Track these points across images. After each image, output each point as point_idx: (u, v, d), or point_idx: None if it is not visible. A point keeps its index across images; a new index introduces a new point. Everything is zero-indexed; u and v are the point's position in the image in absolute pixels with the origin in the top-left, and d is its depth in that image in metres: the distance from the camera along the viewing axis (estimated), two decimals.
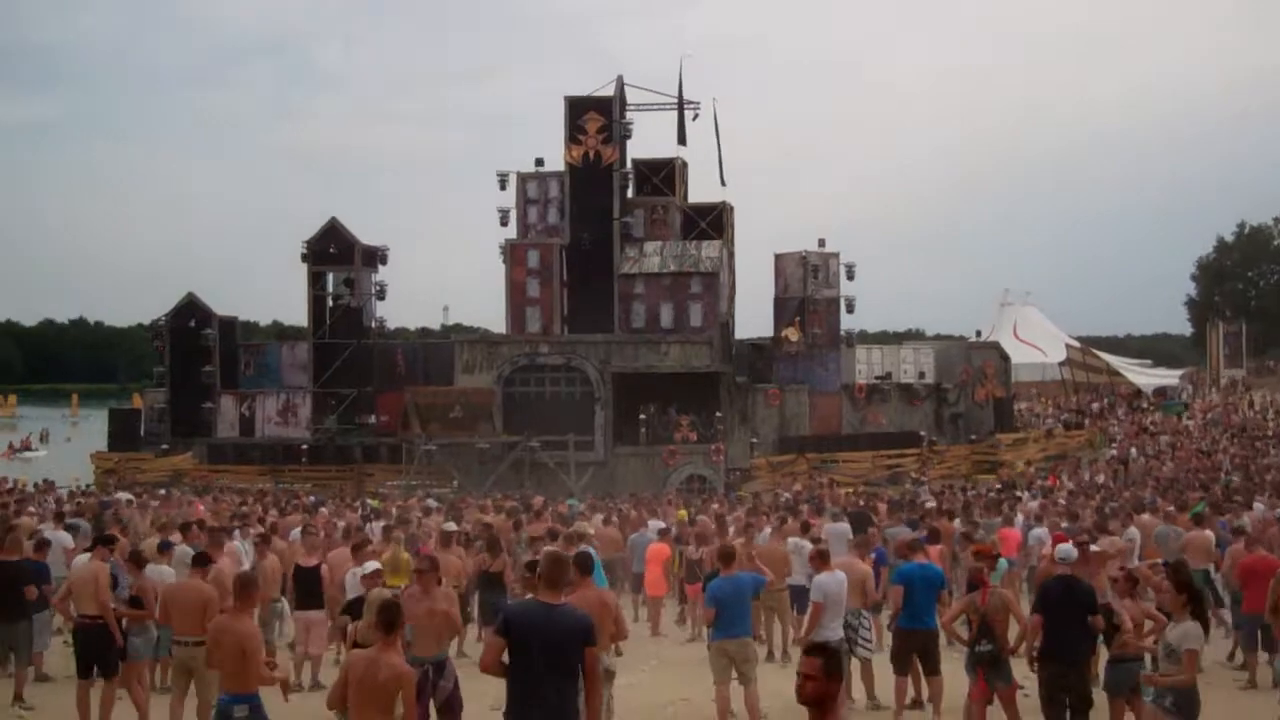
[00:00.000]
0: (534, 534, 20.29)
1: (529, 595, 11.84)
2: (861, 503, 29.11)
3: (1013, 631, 12.07)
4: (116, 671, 13.55)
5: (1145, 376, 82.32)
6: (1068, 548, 12.16)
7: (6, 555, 15.74)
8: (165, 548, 15.32)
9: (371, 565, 12.22)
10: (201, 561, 13.31)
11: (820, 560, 14.08)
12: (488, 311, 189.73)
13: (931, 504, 27.35)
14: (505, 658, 8.10)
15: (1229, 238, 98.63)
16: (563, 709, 8.01)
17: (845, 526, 21.11)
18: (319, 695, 15.50)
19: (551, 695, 7.92)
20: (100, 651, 13.51)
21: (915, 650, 13.30)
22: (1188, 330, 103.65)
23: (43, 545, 16.87)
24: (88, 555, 14.87)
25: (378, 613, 8.96)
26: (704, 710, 13.76)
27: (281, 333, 73.93)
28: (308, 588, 16.35)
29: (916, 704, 13.56)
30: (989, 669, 11.57)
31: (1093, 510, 24.92)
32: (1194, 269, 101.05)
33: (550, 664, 7.98)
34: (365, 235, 54.13)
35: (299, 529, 20.63)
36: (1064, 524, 20.40)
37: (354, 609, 12.32)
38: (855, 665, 14.11)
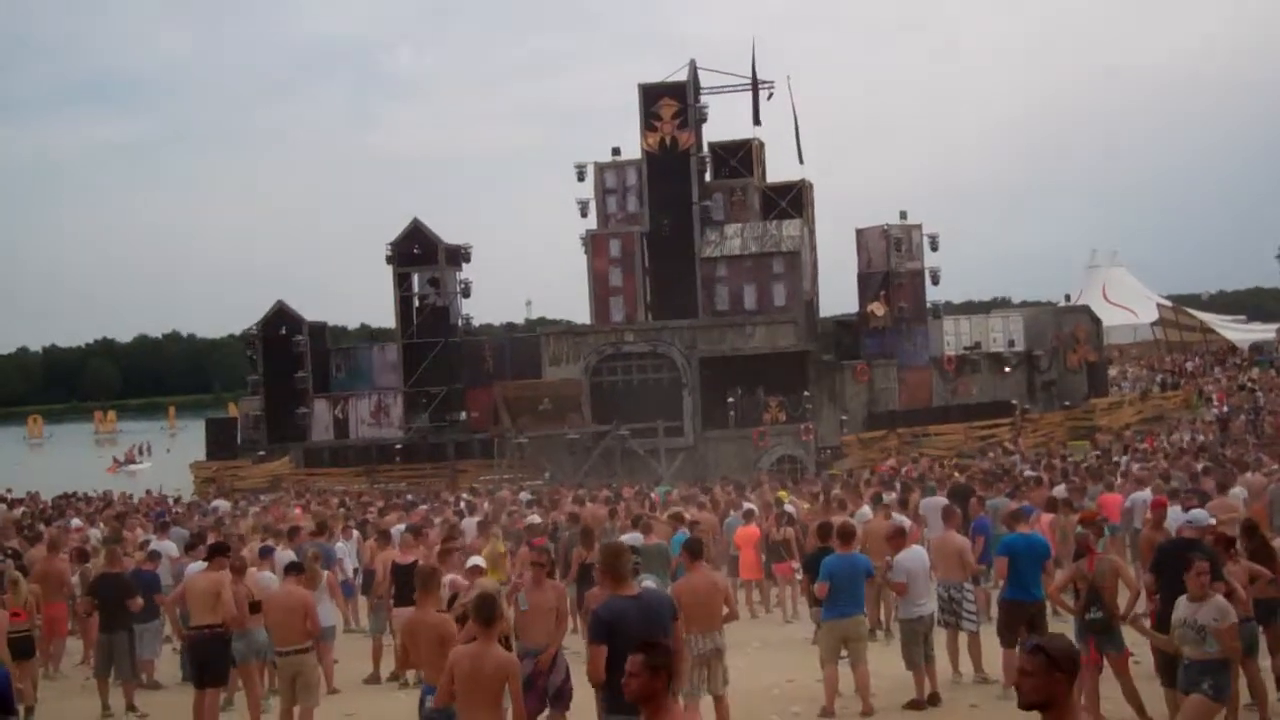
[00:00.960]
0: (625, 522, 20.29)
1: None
2: (961, 476, 28.69)
3: (1122, 598, 11.86)
4: (226, 680, 13.74)
5: (1240, 333, 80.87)
6: (1201, 513, 11.90)
7: (110, 568, 16.06)
8: (266, 554, 15.47)
9: (474, 559, 12.23)
10: (295, 569, 13.42)
11: (898, 538, 13.89)
12: (571, 303, 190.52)
13: (1031, 473, 26.97)
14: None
15: None
16: None
17: (942, 500, 20.87)
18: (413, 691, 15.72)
19: None
20: (212, 660, 13.68)
21: (1023, 622, 13.09)
22: None
23: (154, 557, 17.16)
24: (202, 564, 15.04)
25: (475, 606, 8.99)
26: (810, 690, 13.67)
27: (370, 335, 74.59)
28: (406, 584, 16.43)
29: None
30: (1100, 636, 11.37)
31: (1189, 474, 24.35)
32: None
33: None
34: (447, 235, 54.55)
35: (401, 526, 20.80)
36: (1164, 486, 19.97)
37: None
38: (962, 638, 13.95)
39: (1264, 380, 56.95)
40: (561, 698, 11.14)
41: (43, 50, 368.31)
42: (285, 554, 15.82)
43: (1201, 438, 40.85)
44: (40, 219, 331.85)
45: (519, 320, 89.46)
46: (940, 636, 13.83)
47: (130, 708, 15.01)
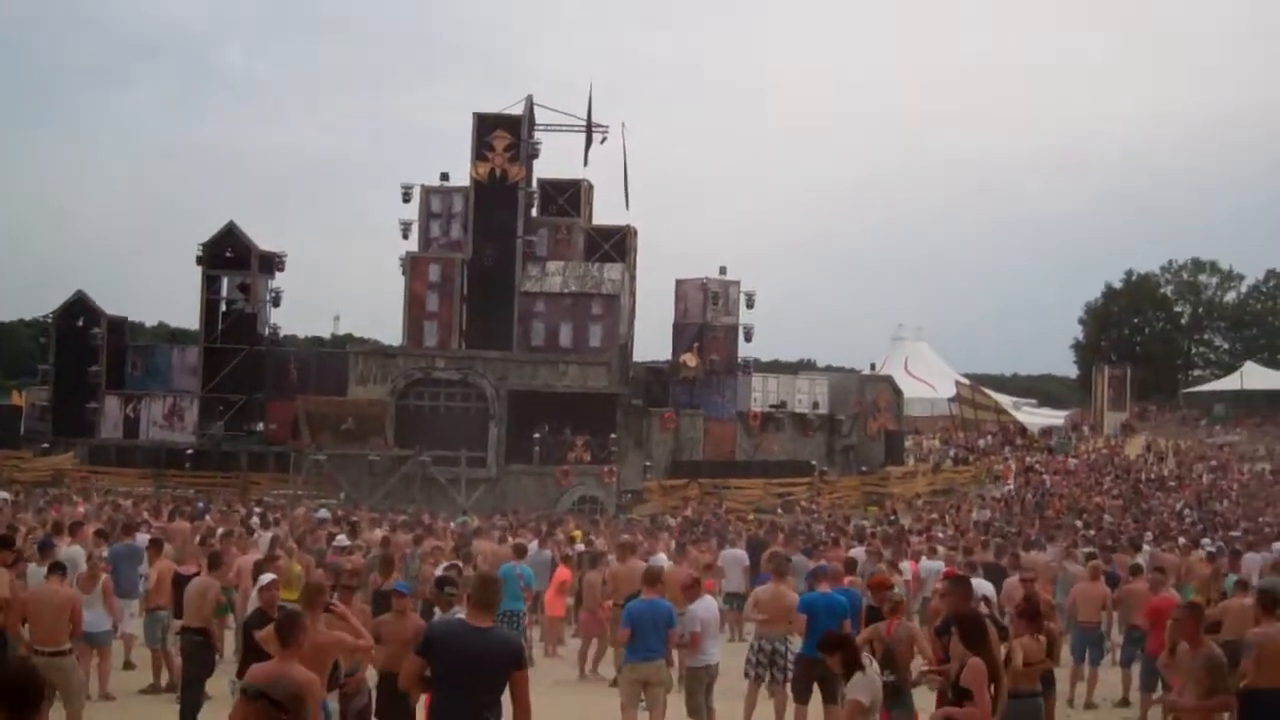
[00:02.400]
0: (428, 551, 19.97)
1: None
2: (762, 531, 29.10)
3: (915, 663, 12.08)
4: None
5: (1031, 416, 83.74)
6: (983, 583, 12.24)
7: None
8: (46, 547, 14.80)
9: (268, 577, 11.88)
10: (58, 569, 12.88)
11: (693, 588, 13.86)
12: (382, 323, 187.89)
13: (828, 534, 27.48)
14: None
15: (1117, 284, 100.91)
16: None
17: (742, 553, 21.12)
18: (209, 707, 15.11)
19: (478, 714, 7.66)
20: None
21: (815, 679, 13.25)
22: (1074, 373, 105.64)
23: None
24: None
25: (275, 626, 8.71)
26: None
27: (171, 335, 72.37)
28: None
29: None
30: (891, 699, 11.53)
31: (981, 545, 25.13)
32: (1082, 314, 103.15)
33: (474, 689, 7.70)
34: (261, 240, 53.43)
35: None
36: (958, 558, 20.55)
37: (254, 621, 11.95)
38: (763, 691, 14.04)
39: (1050, 464, 59.12)
40: (363, 717, 10.90)
41: None
42: (74, 549, 15.16)
43: (988, 514, 42.24)
44: None
45: (325, 334, 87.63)
46: (727, 687, 13.89)
47: None
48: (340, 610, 10.25)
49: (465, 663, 7.70)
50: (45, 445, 51.22)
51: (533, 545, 22.07)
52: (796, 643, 14.48)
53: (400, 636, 10.91)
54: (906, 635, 11.80)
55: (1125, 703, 16.33)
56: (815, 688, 13.39)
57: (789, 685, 13.74)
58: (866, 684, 9.38)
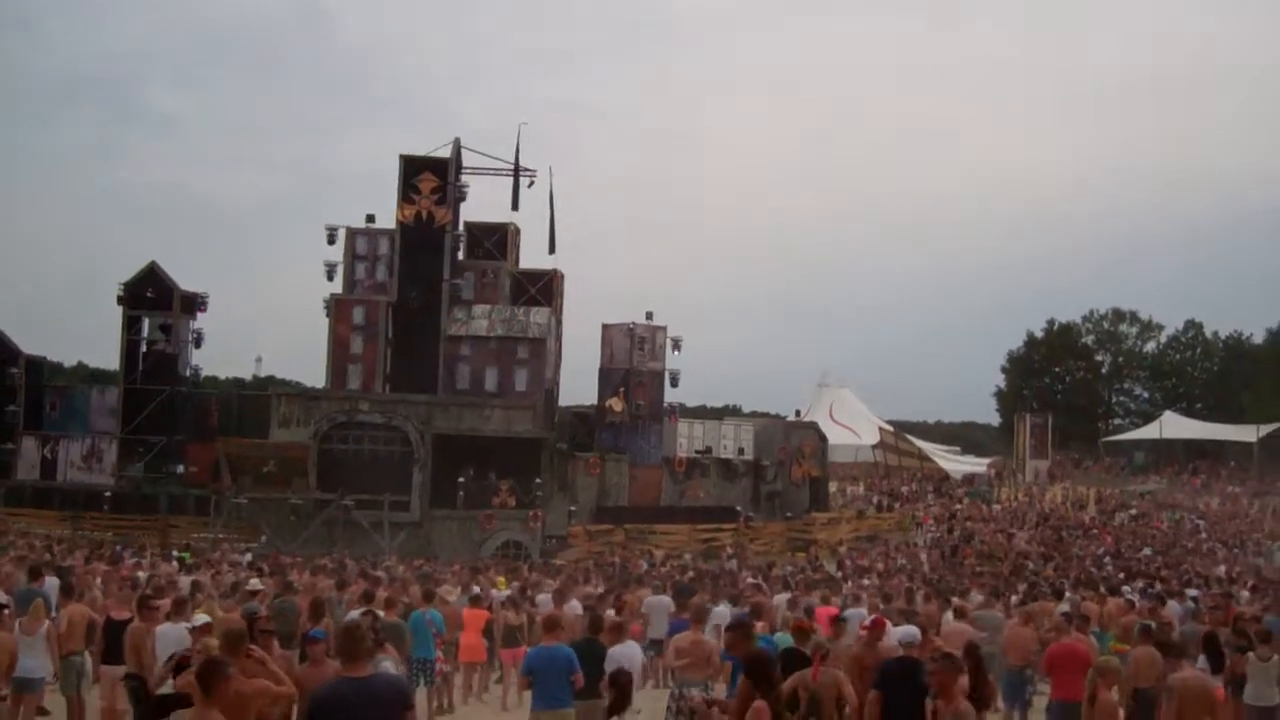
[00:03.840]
0: (353, 597, 19.75)
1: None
2: (689, 576, 29.11)
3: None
4: None
5: (953, 463, 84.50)
6: (911, 630, 12.33)
7: None
8: None
9: (202, 618, 11.68)
10: None
11: (614, 634, 13.85)
12: (305, 366, 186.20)
13: (752, 580, 27.52)
14: None
15: (1039, 333, 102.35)
16: None
17: (667, 600, 21.09)
18: None
19: None
20: None
21: None
22: (995, 420, 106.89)
23: None
24: None
25: (198, 673, 8.61)
26: None
27: (91, 376, 71.34)
28: (116, 641, 15.59)
29: None
30: None
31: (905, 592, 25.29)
32: (1004, 361, 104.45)
33: None
34: (183, 281, 52.96)
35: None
36: (881, 605, 20.63)
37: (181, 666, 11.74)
38: None
39: (973, 511, 59.69)
40: None
41: None
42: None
43: (905, 561, 42.53)
44: None
45: (246, 376, 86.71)
46: None
47: None
48: (260, 655, 10.12)
49: (357, 714, 7.64)
50: None
51: (456, 592, 21.91)
52: (718, 689, 14.50)
53: (317, 684, 10.77)
54: (832, 681, 11.83)
55: None
56: None
57: None
58: None
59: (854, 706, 11.81)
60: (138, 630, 14.21)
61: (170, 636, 13.60)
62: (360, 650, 8.04)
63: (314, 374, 53.70)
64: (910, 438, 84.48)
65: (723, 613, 19.25)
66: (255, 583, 20.03)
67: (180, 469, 50.77)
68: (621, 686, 13.06)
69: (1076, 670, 14.17)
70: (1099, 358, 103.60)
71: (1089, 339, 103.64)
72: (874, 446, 79.46)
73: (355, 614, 16.74)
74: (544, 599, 21.61)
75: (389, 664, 11.15)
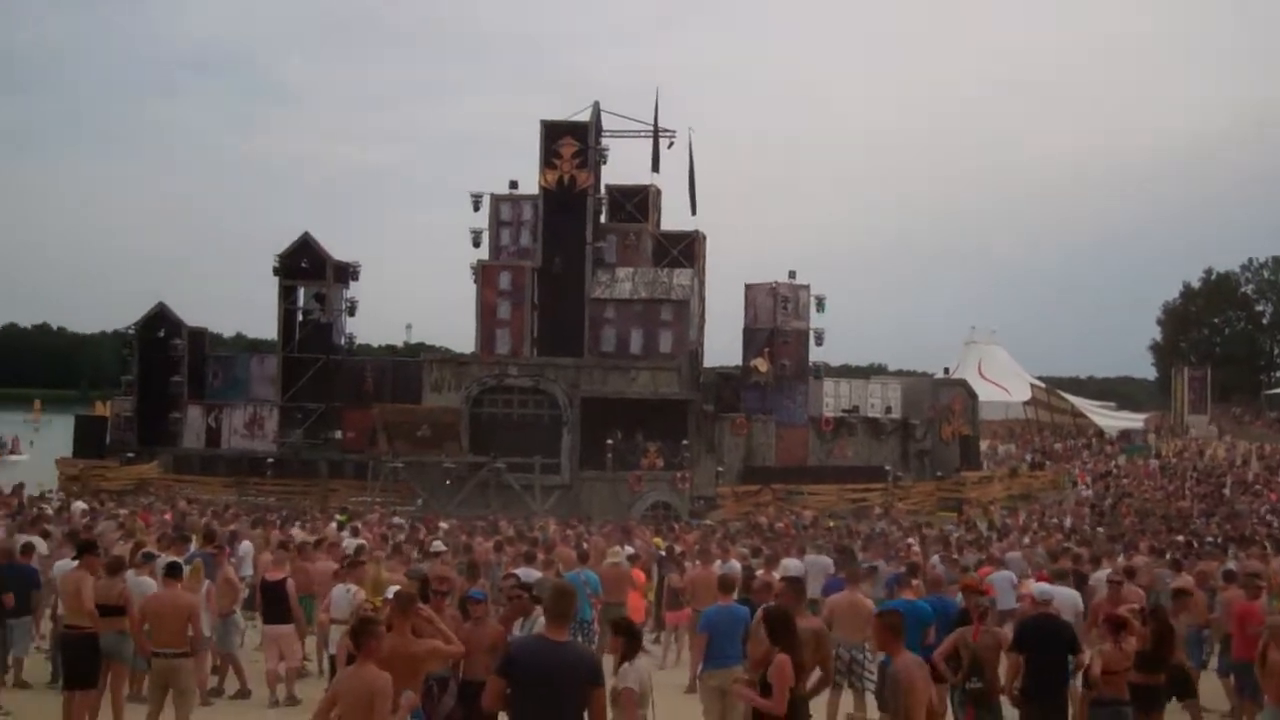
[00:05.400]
0: (511, 558, 20.19)
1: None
2: (845, 539, 29.11)
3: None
4: (95, 684, 13.38)
5: (1108, 419, 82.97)
6: (1046, 587, 12.25)
7: None
8: (148, 559, 15.15)
9: (394, 588, 11.95)
10: (174, 571, 13.20)
11: (723, 591, 13.63)
12: (453, 331, 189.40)
13: (911, 540, 27.43)
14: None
15: (1195, 284, 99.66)
16: None
17: (827, 560, 21.16)
18: (297, 712, 15.44)
19: None
20: (82, 661, 13.35)
21: None
22: (1152, 375, 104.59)
23: (27, 550, 16.70)
24: (71, 563, 14.69)
25: (352, 631, 8.99)
26: None
27: (250, 345, 73.40)
28: (275, 602, 16.21)
29: None
30: (978, 707, 11.60)
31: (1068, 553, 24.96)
32: (1160, 314, 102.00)
33: (555, 704, 7.78)
34: (333, 251, 54.05)
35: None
36: (1043, 564, 20.45)
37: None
38: (844, 699, 14.07)
39: (1130, 469, 58.51)
40: None
41: None
42: (168, 560, 15.50)
43: (1069, 520, 41.89)
44: None
45: (396, 342, 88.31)
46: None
47: None
48: (428, 614, 10.44)
49: (544, 680, 7.78)
50: (130, 455, 52.25)
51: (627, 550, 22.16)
52: (876, 651, 14.53)
53: (480, 644, 11.05)
54: (993, 641, 11.82)
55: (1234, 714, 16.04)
56: None
57: (871, 693, 13.77)
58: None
59: (1016, 664, 11.80)
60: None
61: (340, 599, 14.11)
62: (566, 614, 8.21)
63: (463, 339, 54.52)
64: (1063, 394, 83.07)
65: (881, 570, 19.30)
66: (438, 544, 20.58)
67: (338, 434, 52.01)
68: None
69: (1255, 629, 13.90)
70: (1259, 308, 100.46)
71: (1248, 288, 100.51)
72: (1025, 403, 78.32)
73: (519, 573, 17.18)
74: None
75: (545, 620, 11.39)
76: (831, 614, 14.20)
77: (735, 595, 13.43)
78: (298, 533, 25.14)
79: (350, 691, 8.42)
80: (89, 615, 13.38)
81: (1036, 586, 14.10)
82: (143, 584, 14.26)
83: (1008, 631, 12.67)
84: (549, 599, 8.37)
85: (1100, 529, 34.36)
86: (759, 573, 16.31)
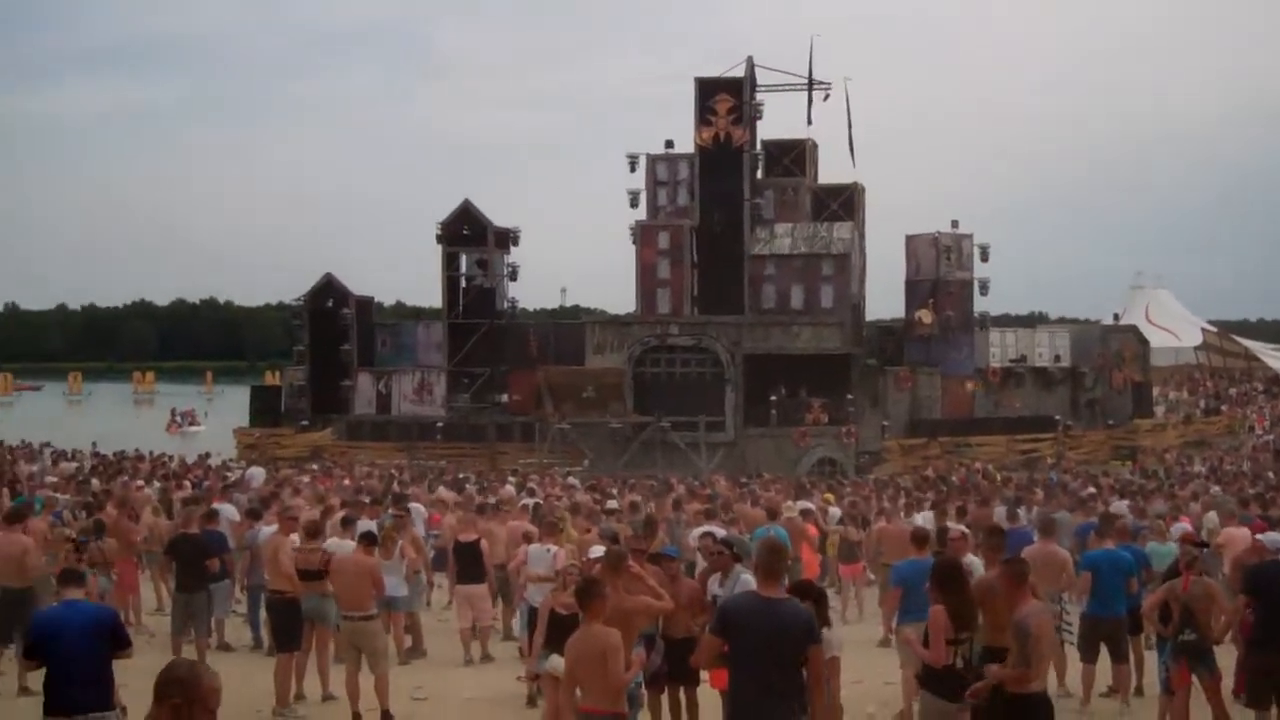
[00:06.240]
0: (690, 516, 20.24)
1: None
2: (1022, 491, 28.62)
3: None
4: (299, 645, 13.77)
5: None
6: (1276, 535, 11.88)
7: (186, 528, 16.18)
8: (348, 524, 15.53)
9: (598, 550, 12.09)
10: (368, 539, 13.49)
11: (917, 544, 13.19)
12: (608, 292, 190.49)
13: (1090, 490, 26.90)
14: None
15: None
16: (789, 705, 7.64)
17: (1001, 510, 20.85)
18: (490, 668, 15.75)
19: (776, 688, 7.60)
20: (287, 624, 13.76)
21: (1103, 637, 13.08)
22: None
23: (213, 516, 17.22)
24: (272, 529, 15.16)
25: (577, 592, 9.08)
26: (880, 693, 13.66)
27: (416, 314, 74.74)
28: (468, 562, 16.49)
29: (1113, 692, 13.35)
30: (1193, 659, 11.33)
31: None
32: None
33: (772, 662, 7.65)
34: (492, 217, 54.63)
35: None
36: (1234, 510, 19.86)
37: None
38: None
39: None
40: (658, 680, 11.17)
41: (85, 9, 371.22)
42: (366, 524, 15.90)
43: (1247, 465, 40.68)
44: (81, 179, 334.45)
45: (551, 306, 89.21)
46: None
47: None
48: (638, 572, 10.53)
49: (761, 638, 7.64)
50: (304, 422, 53.73)
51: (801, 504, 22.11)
52: (1071, 602, 14.29)
53: (675, 601, 11.10)
54: (1204, 592, 11.51)
55: None
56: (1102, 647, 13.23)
57: (1070, 645, 13.55)
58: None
59: (1229, 614, 11.49)
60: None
61: (538, 557, 14.31)
62: (779, 570, 8.10)
63: (617, 300, 54.99)
64: (1236, 337, 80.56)
65: (1065, 519, 18.93)
66: (613, 503, 20.77)
67: (504, 398, 52.75)
68: None
69: None
70: None
71: None
72: (1196, 348, 76.13)
73: (697, 532, 17.24)
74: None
75: (748, 576, 11.40)
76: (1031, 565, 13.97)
77: (929, 550, 13.29)
78: (446, 493, 25.56)
79: (583, 651, 8.54)
80: (288, 579, 13.77)
81: (1268, 536, 13.68)
82: (344, 547, 14.62)
83: (1214, 583, 12.34)
84: (762, 556, 8.26)
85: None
86: (951, 527, 16.05)
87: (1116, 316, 63.96)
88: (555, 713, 10.64)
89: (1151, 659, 13.97)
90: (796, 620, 7.81)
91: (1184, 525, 19.53)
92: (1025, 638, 8.53)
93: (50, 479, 28.78)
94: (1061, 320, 76.95)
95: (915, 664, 12.56)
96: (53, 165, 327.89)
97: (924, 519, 19.31)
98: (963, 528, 16.90)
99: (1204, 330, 77.78)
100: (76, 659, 8.52)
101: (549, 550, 14.25)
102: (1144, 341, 56.56)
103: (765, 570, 8.11)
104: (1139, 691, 13.64)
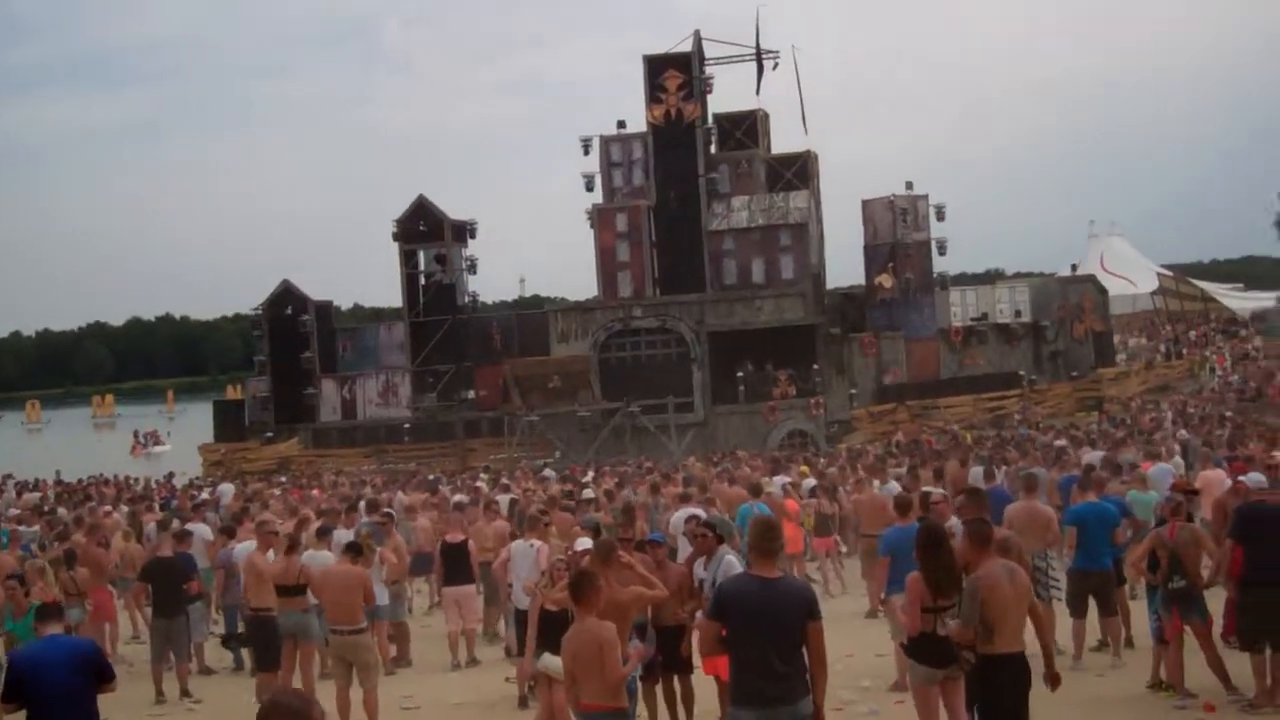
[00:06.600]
0: (669, 499, 20.15)
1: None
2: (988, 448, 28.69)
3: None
4: (278, 665, 13.59)
5: (1239, 300, 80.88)
6: (1257, 476, 11.88)
7: (160, 552, 15.97)
8: (324, 533, 15.33)
9: (583, 541, 11.95)
10: (354, 549, 13.26)
11: (900, 511, 13.26)
12: (567, 279, 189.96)
13: (1062, 443, 26.95)
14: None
15: None
16: (792, 685, 7.56)
17: (978, 470, 20.83)
18: (477, 671, 15.62)
19: (779, 669, 7.52)
20: (266, 643, 13.59)
21: (1090, 591, 13.08)
22: (1278, 251, 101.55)
23: (184, 537, 16.98)
24: (251, 546, 14.95)
25: (570, 586, 8.93)
26: (873, 665, 13.63)
27: (370, 315, 74.32)
28: (457, 563, 16.33)
29: (1103, 645, 13.34)
30: (1183, 605, 11.32)
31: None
32: None
33: (773, 642, 7.54)
34: (451, 211, 54.22)
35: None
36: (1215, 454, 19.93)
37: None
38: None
39: (1270, 349, 56.98)
40: (651, 670, 11.06)
41: (27, 27, 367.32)
42: (343, 533, 15.72)
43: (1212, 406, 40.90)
44: (29, 201, 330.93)
45: (511, 297, 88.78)
46: None
47: (185, 693, 14.89)
48: (628, 561, 10.41)
49: (761, 619, 7.54)
50: (269, 434, 53.19)
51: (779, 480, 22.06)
52: (1056, 558, 14.27)
53: (665, 587, 10.98)
54: (1191, 538, 11.50)
55: None
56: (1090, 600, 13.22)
57: (1058, 601, 13.51)
58: None
59: (1216, 558, 11.49)
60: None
61: (522, 554, 14.14)
62: (773, 549, 8.01)
63: (576, 287, 54.75)
64: (1192, 280, 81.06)
65: (1043, 476, 18.88)
66: (588, 491, 20.64)
67: (471, 394, 52.28)
68: None
69: None
70: None
71: None
72: (1153, 293, 76.47)
73: (678, 515, 17.14)
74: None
75: (732, 557, 11.29)
76: (1011, 524, 13.92)
77: (913, 516, 13.20)
78: (415, 496, 25.41)
79: (580, 646, 8.39)
80: (267, 596, 13.60)
81: (1250, 476, 13.70)
82: (320, 558, 14.43)
83: (1199, 529, 12.34)
84: (755, 535, 8.15)
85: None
86: (934, 492, 15.96)
87: (1074, 267, 64.00)
88: (550, 713, 10.53)
89: (1137, 609, 14.00)
90: (795, 598, 7.73)
91: (1166, 468, 19.65)
92: (969, 596, 8.52)
93: (12, 511, 28.44)
94: (1019, 275, 77.23)
95: (904, 634, 12.54)
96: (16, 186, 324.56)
97: (893, 486, 19.27)
98: (943, 491, 16.85)
99: (1159, 274, 78.16)
100: (60, 696, 8.30)
101: (533, 546, 14.09)
102: (1103, 291, 56.70)
103: (759, 550, 8.02)
104: (1129, 643, 13.65)
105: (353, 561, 12.99)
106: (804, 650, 7.62)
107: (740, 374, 49.00)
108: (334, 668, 12.92)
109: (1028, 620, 8.68)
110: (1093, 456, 22.01)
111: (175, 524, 18.78)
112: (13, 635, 12.32)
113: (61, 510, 27.37)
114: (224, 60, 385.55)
